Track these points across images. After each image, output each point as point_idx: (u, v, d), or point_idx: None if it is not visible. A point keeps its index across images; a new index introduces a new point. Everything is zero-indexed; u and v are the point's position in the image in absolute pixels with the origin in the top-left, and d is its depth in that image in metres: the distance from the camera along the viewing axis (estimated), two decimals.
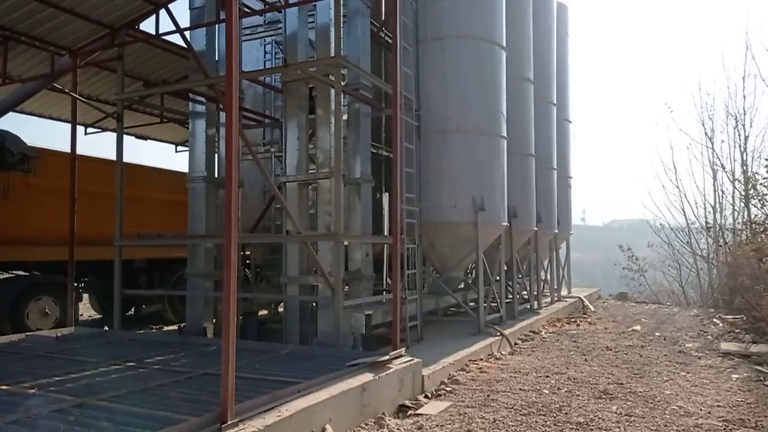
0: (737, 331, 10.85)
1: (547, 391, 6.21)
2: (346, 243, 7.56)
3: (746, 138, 18.88)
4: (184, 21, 8.55)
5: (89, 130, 12.11)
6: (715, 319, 12.72)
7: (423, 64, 9.44)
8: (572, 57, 16.17)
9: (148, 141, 14.26)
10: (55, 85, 9.71)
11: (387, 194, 9.09)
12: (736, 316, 12.32)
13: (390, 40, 8.79)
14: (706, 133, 19.87)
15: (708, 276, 19.66)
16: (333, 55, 7.24)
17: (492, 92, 9.72)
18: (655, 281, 21.81)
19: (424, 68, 9.44)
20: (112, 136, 9.02)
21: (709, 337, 10.45)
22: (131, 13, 8.30)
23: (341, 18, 7.30)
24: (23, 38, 8.46)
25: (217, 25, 8.50)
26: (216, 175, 8.61)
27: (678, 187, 27.10)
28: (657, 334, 10.75)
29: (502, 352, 8.48)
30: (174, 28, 8.31)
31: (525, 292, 12.99)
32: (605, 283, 24.42)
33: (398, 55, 7.07)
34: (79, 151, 9.16)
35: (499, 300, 10.38)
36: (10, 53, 8.68)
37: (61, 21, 8.16)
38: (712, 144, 19.92)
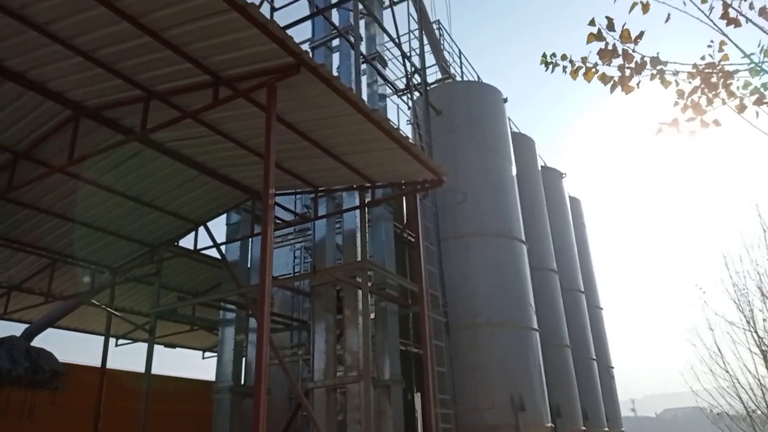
0: None
1: None
2: None
3: None
4: (217, 233, 9.08)
5: (120, 341, 12.23)
6: None
7: (447, 261, 9.69)
8: (594, 246, 16.57)
9: (176, 349, 14.25)
10: (92, 300, 10.06)
11: (419, 394, 8.64)
12: None
13: (413, 239, 9.16)
14: (744, 317, 19.08)
15: None
16: (359, 259, 7.52)
17: (518, 284, 9.78)
18: None
19: (447, 264, 9.66)
20: (141, 347, 9.06)
21: None
22: (172, 232, 8.91)
23: (366, 224, 7.73)
24: (69, 260, 9.02)
25: (251, 238, 9.01)
26: (242, 383, 8.41)
27: (727, 371, 25.18)
28: None
29: None
30: (211, 243, 8.81)
31: None
32: None
33: (422, 255, 7.30)
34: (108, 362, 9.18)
35: None
36: (54, 273, 9.19)
37: (105, 243, 8.77)
38: (754, 325, 18.99)
